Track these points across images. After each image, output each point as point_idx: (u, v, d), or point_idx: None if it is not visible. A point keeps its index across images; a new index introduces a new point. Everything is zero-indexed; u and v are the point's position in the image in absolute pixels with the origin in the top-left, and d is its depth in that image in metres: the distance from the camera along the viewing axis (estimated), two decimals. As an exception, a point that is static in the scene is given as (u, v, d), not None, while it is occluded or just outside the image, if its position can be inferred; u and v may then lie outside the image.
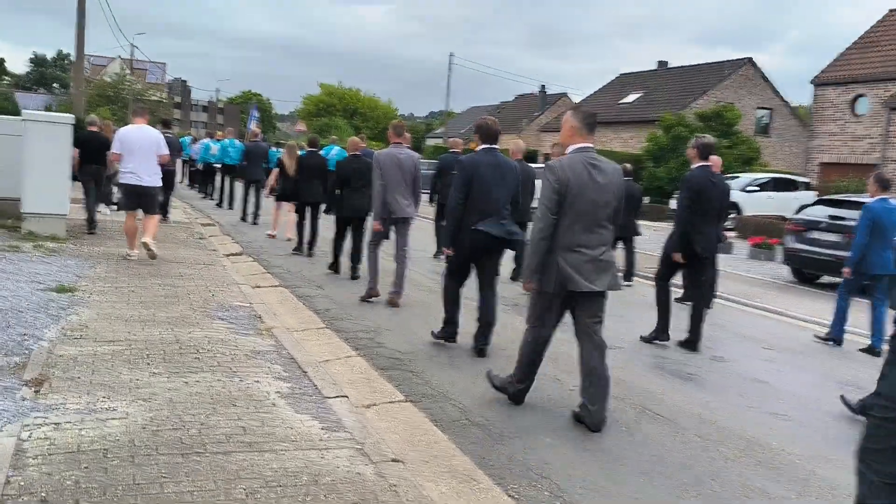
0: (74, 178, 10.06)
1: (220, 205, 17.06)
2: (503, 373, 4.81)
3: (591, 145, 4.35)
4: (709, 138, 6.64)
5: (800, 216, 11.35)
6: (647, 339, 6.64)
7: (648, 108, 35.81)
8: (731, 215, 20.04)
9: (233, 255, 10.12)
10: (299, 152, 11.57)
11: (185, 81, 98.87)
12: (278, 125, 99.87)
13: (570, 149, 4.33)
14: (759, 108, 34.63)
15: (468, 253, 5.66)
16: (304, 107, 74.25)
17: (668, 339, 6.60)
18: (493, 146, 5.72)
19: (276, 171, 11.96)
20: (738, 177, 22.17)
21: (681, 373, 5.77)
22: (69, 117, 9.39)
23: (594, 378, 4.31)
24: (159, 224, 9.26)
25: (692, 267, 6.58)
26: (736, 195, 20.25)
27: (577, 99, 49.56)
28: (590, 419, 4.28)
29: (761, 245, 14.18)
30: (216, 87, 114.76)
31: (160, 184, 8.78)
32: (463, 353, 5.82)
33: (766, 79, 35.15)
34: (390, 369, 5.29)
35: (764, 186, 21.01)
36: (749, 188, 20.66)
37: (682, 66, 39.24)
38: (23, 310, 5.80)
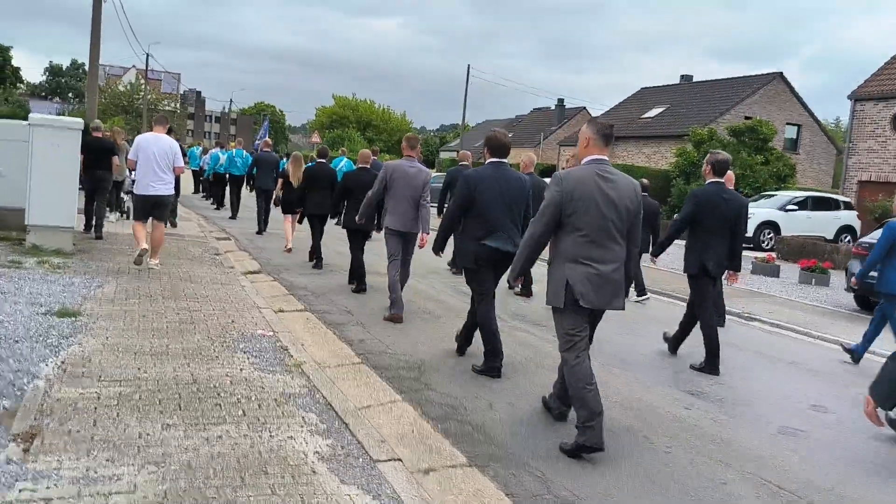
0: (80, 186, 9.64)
1: (233, 217, 16.54)
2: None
3: (605, 157, 4.18)
4: (724, 154, 6.45)
5: (866, 240, 10.46)
6: (695, 368, 6.24)
7: (673, 122, 34.99)
8: (770, 235, 19.19)
9: (251, 272, 9.36)
10: (309, 163, 11.26)
11: (199, 92, 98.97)
12: (291, 137, 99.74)
13: (584, 160, 4.19)
14: (787, 123, 33.73)
15: (476, 265, 5.46)
16: (317, 118, 74.15)
17: (717, 373, 6.12)
18: (502, 160, 5.54)
19: (281, 181, 11.95)
20: (773, 195, 21.31)
21: (787, 429, 4.90)
22: (78, 122, 8.70)
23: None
24: (167, 231, 9.21)
25: (698, 283, 6.32)
26: (774, 214, 19.43)
27: (596, 113, 48.84)
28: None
29: (813, 269, 13.26)
30: (230, 98, 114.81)
31: (173, 192, 8.64)
32: (527, 400, 5.00)
33: (795, 94, 34.30)
34: (445, 420, 4.48)
35: (802, 205, 20.08)
36: (788, 207, 19.73)
37: (707, 81, 38.42)
38: (19, 339, 5.04)
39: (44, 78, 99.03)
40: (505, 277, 5.11)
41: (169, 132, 13.10)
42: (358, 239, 8.46)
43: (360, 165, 8.85)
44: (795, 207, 19.84)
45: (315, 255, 10.20)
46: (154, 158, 8.08)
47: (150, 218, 8.35)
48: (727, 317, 8.60)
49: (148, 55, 50.14)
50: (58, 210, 8.52)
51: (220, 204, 19.13)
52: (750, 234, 19.33)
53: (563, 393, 4.43)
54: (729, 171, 6.66)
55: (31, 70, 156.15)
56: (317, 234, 10.27)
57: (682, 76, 40.86)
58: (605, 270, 4.01)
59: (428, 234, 7.30)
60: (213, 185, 19.78)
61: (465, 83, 47.30)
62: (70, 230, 8.78)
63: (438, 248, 5.81)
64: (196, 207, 18.72)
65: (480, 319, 5.52)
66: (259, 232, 13.66)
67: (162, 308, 6.49)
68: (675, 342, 6.74)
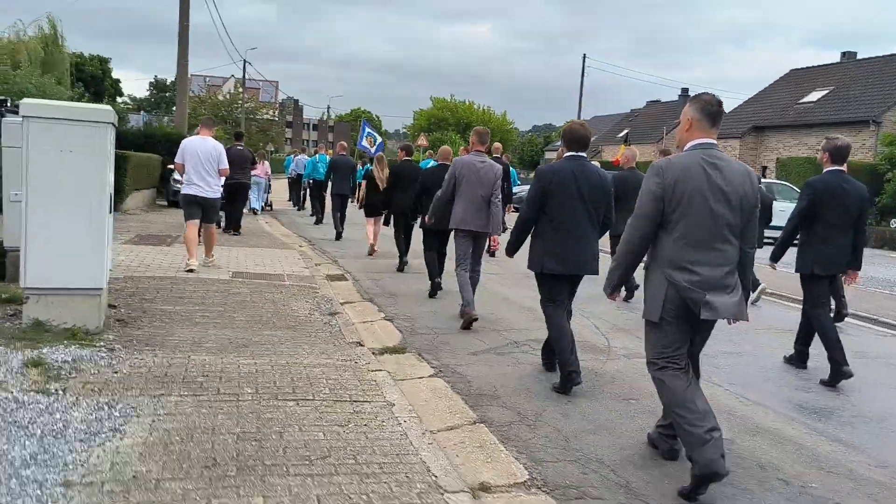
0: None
1: (317, 222, 16.22)
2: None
3: (712, 141, 3.46)
4: (843, 140, 5.66)
5: None
6: (827, 384, 5.43)
7: (842, 107, 29.37)
8: None
9: (391, 351, 5.62)
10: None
11: (296, 100, 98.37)
12: (388, 142, 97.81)
13: (688, 146, 3.49)
14: None
15: (544, 272, 4.86)
16: (416, 122, 71.65)
17: (849, 375, 5.36)
18: (580, 154, 4.94)
19: (363, 183, 11.58)
20: None
21: None
22: (107, 111, 5.14)
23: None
24: (260, 272, 8.55)
25: (813, 284, 5.65)
26: None
27: (731, 102, 43.17)
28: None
29: None
30: (327, 105, 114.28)
31: (219, 195, 8.45)
32: None
33: None
34: None
35: None
36: None
37: (877, 57, 32.35)
38: None
39: (148, 93, 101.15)
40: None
41: (239, 138, 12.57)
42: (433, 240, 7.97)
43: (440, 162, 8.39)
44: None
45: (404, 253, 9.69)
46: (199, 161, 8.02)
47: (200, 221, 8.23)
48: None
49: (245, 61, 48.10)
50: (74, 261, 5.03)
51: (315, 212, 17.05)
52: None
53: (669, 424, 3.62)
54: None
55: (139, 88, 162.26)
56: (401, 234, 9.71)
57: (844, 53, 34.79)
58: (714, 276, 3.31)
59: (500, 234, 6.85)
60: (310, 195, 18.08)
61: (581, 76, 42.81)
62: (98, 293, 5.23)
63: (511, 251, 5.26)
64: (298, 226, 15.51)
65: (550, 330, 4.93)
66: (337, 238, 13.09)
67: (233, 516, 2.77)
68: (799, 355, 6.04)
